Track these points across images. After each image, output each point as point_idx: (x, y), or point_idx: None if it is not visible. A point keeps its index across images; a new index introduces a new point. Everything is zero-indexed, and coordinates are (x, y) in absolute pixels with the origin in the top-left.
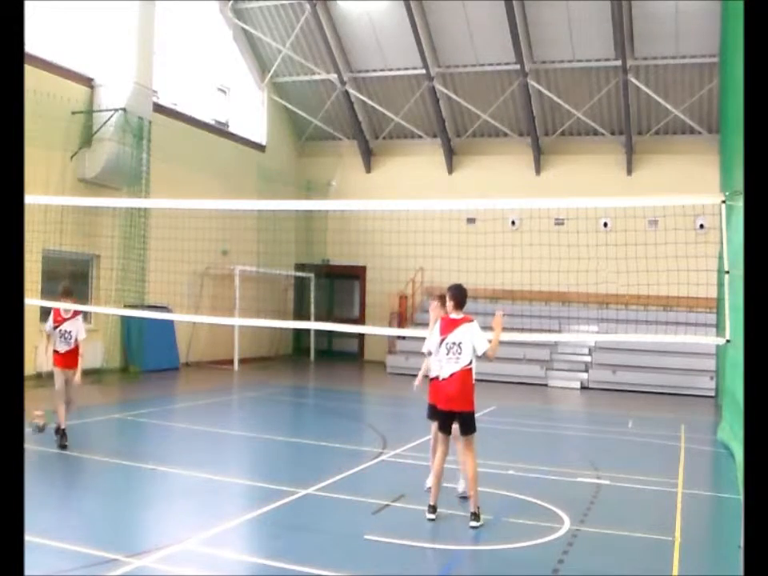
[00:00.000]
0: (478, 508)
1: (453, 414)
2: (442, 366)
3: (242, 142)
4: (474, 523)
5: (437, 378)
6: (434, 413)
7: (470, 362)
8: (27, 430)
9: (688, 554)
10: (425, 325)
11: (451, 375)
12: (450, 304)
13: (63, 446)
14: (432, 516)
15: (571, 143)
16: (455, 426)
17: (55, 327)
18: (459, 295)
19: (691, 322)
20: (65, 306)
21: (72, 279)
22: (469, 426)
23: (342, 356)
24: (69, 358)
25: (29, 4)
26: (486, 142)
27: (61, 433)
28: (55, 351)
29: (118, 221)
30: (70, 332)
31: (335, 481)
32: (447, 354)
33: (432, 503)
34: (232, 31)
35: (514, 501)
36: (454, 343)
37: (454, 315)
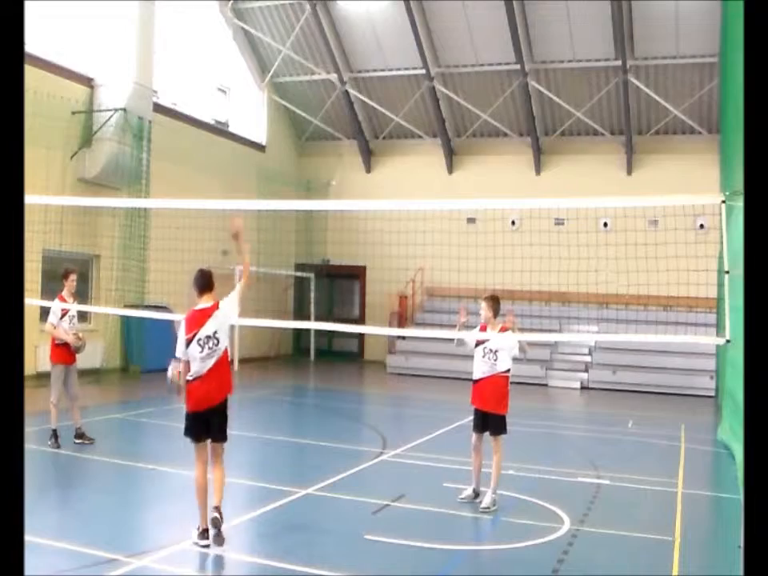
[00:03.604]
0: (494, 499)
1: (485, 414)
2: (477, 366)
3: (242, 141)
4: (485, 505)
5: (476, 380)
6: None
7: (507, 369)
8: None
9: (688, 554)
10: (425, 325)
11: (487, 377)
12: (491, 313)
13: (90, 441)
14: (469, 500)
15: (571, 143)
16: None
17: (62, 316)
18: (496, 305)
19: (691, 322)
20: (68, 290)
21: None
22: (498, 428)
23: (342, 356)
24: (70, 351)
25: (29, 4)
26: (486, 141)
27: (80, 434)
28: (57, 346)
29: (118, 221)
30: (75, 316)
31: (335, 481)
32: (483, 357)
33: (474, 487)
34: (232, 31)
35: (514, 501)
36: (491, 350)
37: (492, 324)
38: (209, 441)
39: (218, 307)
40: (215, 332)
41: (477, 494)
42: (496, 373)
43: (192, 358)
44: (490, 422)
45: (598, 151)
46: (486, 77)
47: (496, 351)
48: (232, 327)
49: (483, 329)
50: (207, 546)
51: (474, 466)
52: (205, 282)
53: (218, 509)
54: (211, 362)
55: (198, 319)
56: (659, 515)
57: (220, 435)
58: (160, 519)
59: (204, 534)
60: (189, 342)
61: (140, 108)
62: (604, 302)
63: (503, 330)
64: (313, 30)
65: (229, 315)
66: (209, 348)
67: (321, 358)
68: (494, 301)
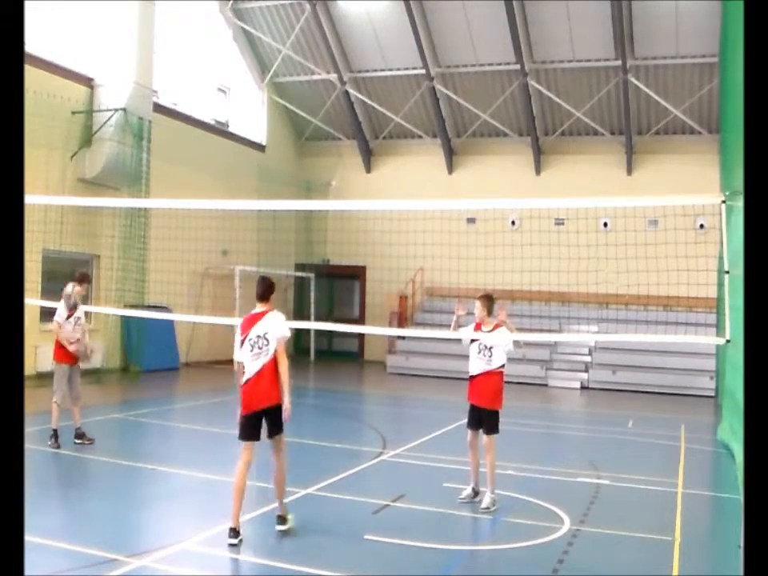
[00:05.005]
0: (494, 499)
1: (480, 410)
2: (473, 363)
3: (242, 141)
4: (485, 506)
5: (472, 376)
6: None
7: (502, 365)
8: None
9: (688, 554)
10: (425, 325)
11: (483, 374)
12: (484, 312)
13: (90, 441)
14: (469, 499)
15: (571, 143)
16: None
17: (68, 317)
18: (490, 304)
19: (691, 322)
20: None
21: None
22: (491, 426)
23: (342, 356)
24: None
25: (29, 4)
26: (486, 141)
27: (80, 434)
28: (62, 346)
29: (117, 221)
30: (80, 318)
31: (335, 481)
32: (478, 354)
33: (473, 486)
34: (232, 31)
35: (514, 501)
36: (485, 346)
37: (486, 322)
38: (256, 442)
39: (270, 310)
40: (265, 333)
41: (476, 492)
42: (491, 369)
43: (246, 359)
44: (483, 419)
45: (598, 151)
46: (486, 77)
47: (491, 348)
48: (232, 328)
49: (478, 327)
50: (235, 545)
51: (472, 464)
52: (264, 289)
53: (281, 501)
54: (260, 363)
55: (250, 321)
56: (659, 515)
57: (275, 428)
58: (160, 519)
59: (234, 533)
60: (242, 344)
61: (140, 108)
62: (604, 301)
63: (497, 327)
64: (313, 30)
65: (282, 323)
66: (258, 348)
67: (321, 358)
68: (488, 299)
